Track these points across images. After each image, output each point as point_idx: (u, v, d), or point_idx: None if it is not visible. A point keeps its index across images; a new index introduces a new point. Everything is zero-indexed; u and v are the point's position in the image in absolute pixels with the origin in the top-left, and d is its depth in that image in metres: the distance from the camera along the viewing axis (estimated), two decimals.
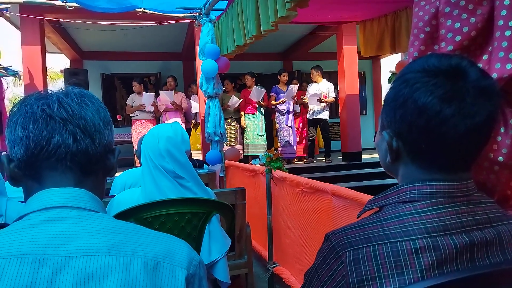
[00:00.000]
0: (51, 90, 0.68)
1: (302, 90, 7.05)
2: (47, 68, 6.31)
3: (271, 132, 7.67)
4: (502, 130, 0.86)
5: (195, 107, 6.42)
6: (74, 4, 4.37)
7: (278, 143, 6.73)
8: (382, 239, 0.64)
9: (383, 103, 0.74)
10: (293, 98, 6.46)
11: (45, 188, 0.64)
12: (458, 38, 0.86)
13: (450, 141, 0.64)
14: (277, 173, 2.79)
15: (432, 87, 0.64)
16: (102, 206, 0.67)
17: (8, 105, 8.18)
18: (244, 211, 2.47)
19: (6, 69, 7.56)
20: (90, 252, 0.58)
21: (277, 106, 6.60)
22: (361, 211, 0.77)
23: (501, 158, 0.85)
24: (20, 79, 8.63)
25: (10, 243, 0.57)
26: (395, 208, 0.69)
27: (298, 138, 6.87)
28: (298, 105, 6.78)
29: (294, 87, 6.45)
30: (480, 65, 0.87)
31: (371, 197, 1.73)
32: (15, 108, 0.66)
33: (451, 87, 0.63)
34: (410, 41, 0.99)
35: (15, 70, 8.16)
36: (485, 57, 0.87)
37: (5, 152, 0.68)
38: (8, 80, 7.40)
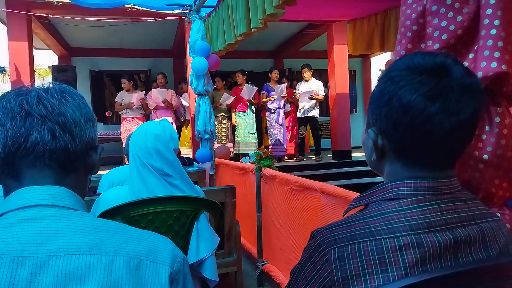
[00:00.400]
0: (31, 86, 0.66)
1: (292, 88, 7.06)
2: (35, 65, 6.22)
3: (261, 130, 7.67)
4: (487, 128, 0.86)
5: (186, 105, 6.39)
6: None
7: (269, 141, 6.74)
8: (366, 236, 0.65)
9: (369, 101, 0.74)
10: (283, 96, 6.46)
11: (24, 186, 0.62)
12: (444, 36, 0.87)
13: (435, 139, 0.65)
14: (267, 171, 2.79)
15: (416, 84, 0.64)
16: (83, 204, 0.66)
17: None
18: (233, 209, 2.46)
19: None
20: (70, 251, 0.56)
21: (267, 104, 6.60)
22: (347, 209, 0.78)
23: (485, 156, 0.86)
24: (4, 75, 8.51)
25: None
26: (380, 206, 0.69)
27: (289, 136, 6.88)
28: (288, 103, 6.79)
29: (283, 86, 6.45)
30: (466, 63, 0.88)
31: (359, 194, 1.75)
32: None
33: (436, 85, 0.63)
34: (398, 39, 0.99)
35: (2, 66, 8.04)
36: (471, 55, 0.88)
37: None
38: None
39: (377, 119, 0.70)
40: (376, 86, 0.72)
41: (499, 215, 0.79)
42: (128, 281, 0.57)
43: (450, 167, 0.70)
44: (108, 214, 1.39)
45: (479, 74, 0.81)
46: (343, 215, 0.76)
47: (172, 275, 0.62)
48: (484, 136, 0.86)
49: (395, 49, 1.01)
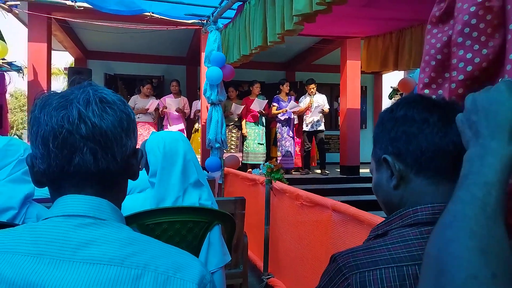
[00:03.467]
0: (71, 93, 0.64)
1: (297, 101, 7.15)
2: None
3: (269, 141, 7.70)
4: None
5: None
6: (84, 4, 4.40)
7: (278, 152, 6.75)
8: (388, 263, 0.66)
9: (373, 137, 0.80)
10: (298, 111, 6.57)
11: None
12: (469, 68, 0.89)
13: (443, 145, 0.69)
14: (277, 184, 2.80)
15: (414, 106, 0.73)
16: (122, 217, 0.68)
17: (9, 99, 8.18)
18: (242, 221, 2.48)
19: (10, 64, 7.59)
20: (104, 261, 0.58)
21: (278, 116, 6.64)
22: (366, 239, 0.79)
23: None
24: (23, 74, 8.65)
25: (33, 242, 0.58)
26: (401, 232, 0.70)
27: (297, 148, 6.92)
28: (296, 116, 6.85)
29: (298, 106, 6.56)
30: None
31: (371, 215, 1.74)
32: (35, 112, 0.64)
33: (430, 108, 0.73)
34: (421, 67, 1.01)
35: (19, 66, 8.18)
36: None
37: (29, 154, 0.66)
38: (11, 75, 7.42)
39: (388, 144, 0.75)
40: (376, 127, 0.80)
41: None
42: None
43: None
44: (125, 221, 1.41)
45: None
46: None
47: None
48: None
49: (418, 76, 1.03)
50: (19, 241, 0.59)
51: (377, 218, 1.55)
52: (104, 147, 0.63)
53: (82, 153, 0.61)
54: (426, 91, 0.98)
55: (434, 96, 0.96)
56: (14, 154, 1.45)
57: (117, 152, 0.64)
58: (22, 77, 9.07)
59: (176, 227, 1.51)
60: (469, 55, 0.89)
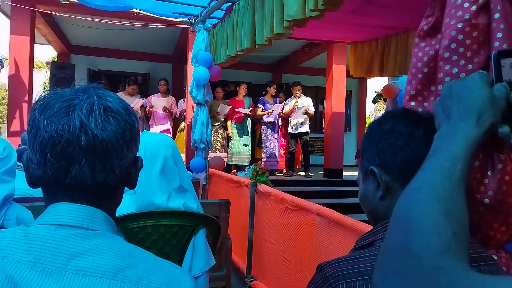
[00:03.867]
0: (75, 97, 0.61)
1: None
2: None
3: (254, 143, 7.71)
4: (489, 173, 0.90)
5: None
6: None
7: (263, 154, 6.77)
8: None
9: (361, 149, 0.82)
10: (284, 114, 6.63)
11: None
12: (425, 70, 0.92)
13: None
14: (262, 187, 2.80)
15: (400, 119, 0.76)
16: (114, 228, 0.66)
17: None
18: (227, 224, 2.47)
19: None
20: (96, 273, 0.57)
21: (264, 117, 6.66)
22: (352, 249, 0.80)
23: (486, 200, 0.89)
24: (2, 66, 8.42)
25: (26, 249, 0.57)
26: None
27: (282, 150, 6.95)
28: (280, 118, 6.90)
29: (281, 105, 6.61)
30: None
31: (355, 221, 1.76)
32: (36, 112, 0.61)
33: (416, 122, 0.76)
34: (408, 79, 1.03)
35: (1, 58, 7.96)
36: (432, 88, 0.92)
37: (26, 152, 0.63)
38: None
39: (375, 156, 0.77)
40: (364, 138, 0.82)
41: (496, 258, 0.82)
42: None
43: None
44: None
45: None
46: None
47: None
48: (486, 181, 0.90)
49: (405, 88, 1.05)
50: (12, 247, 0.58)
51: (360, 224, 1.57)
52: (103, 160, 0.61)
53: (80, 166, 0.59)
54: (412, 103, 1.01)
55: (420, 109, 0.99)
56: None
57: (116, 165, 0.63)
58: (1, 68, 8.83)
59: (160, 230, 1.50)
60: (455, 70, 0.91)
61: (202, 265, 1.54)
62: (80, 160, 0.59)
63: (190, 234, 1.55)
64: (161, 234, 1.50)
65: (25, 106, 5.55)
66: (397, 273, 0.43)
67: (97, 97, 0.62)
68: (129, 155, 0.65)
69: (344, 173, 7.17)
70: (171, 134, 6.52)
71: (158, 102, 6.17)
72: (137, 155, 0.70)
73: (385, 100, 6.12)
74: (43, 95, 0.63)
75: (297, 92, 6.73)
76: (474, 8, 0.88)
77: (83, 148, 0.59)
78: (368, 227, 1.54)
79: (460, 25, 0.89)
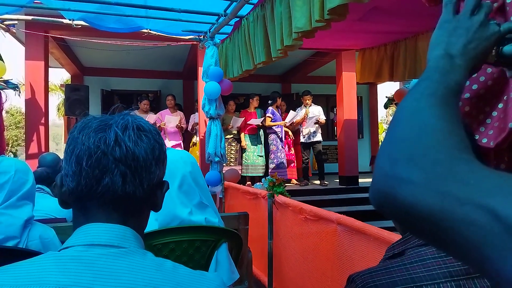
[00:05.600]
0: (111, 119, 0.67)
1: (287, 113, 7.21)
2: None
3: (268, 153, 7.72)
4: None
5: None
6: (81, 22, 4.43)
7: (272, 164, 6.77)
8: (408, 283, 0.67)
9: None
10: (294, 123, 6.66)
11: (90, 222, 0.65)
12: (475, 86, 0.91)
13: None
14: (280, 198, 2.80)
15: None
16: (143, 245, 0.68)
17: (4, 116, 8.17)
18: (246, 236, 2.47)
19: (6, 82, 7.60)
20: None
21: (274, 128, 6.68)
22: (382, 259, 0.79)
23: None
24: (20, 92, 8.66)
25: (61, 273, 0.58)
26: (418, 251, 0.71)
27: (292, 161, 6.96)
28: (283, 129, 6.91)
29: (296, 115, 6.64)
30: (495, 113, 0.92)
31: (377, 229, 1.74)
32: (75, 132, 0.66)
33: None
34: None
35: (15, 83, 8.20)
36: (500, 105, 0.91)
37: (60, 174, 0.68)
38: (7, 93, 7.43)
39: None
40: None
41: None
42: None
43: None
44: None
45: (510, 125, 0.84)
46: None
47: None
48: None
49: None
50: (44, 272, 0.59)
51: (383, 232, 1.56)
52: (133, 172, 0.64)
53: (112, 175, 0.63)
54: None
55: None
56: (3, 176, 1.39)
57: (145, 178, 0.66)
58: (19, 95, 9.07)
59: (183, 246, 1.51)
60: (474, 74, 0.91)
61: (226, 279, 1.55)
62: (113, 169, 0.63)
63: (212, 248, 1.56)
64: (184, 249, 1.51)
65: (42, 129, 5.68)
66: (411, 159, 0.42)
67: (131, 118, 0.68)
68: (156, 171, 0.68)
69: (359, 180, 7.11)
70: (182, 148, 6.58)
71: (171, 119, 6.26)
72: (164, 179, 0.73)
73: (397, 104, 6.09)
74: (82, 119, 0.69)
75: (307, 101, 6.74)
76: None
77: (117, 159, 0.63)
78: (392, 235, 1.52)
79: None
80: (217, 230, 1.56)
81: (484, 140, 0.88)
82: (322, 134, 6.97)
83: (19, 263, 0.62)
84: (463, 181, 0.37)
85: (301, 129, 6.79)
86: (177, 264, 0.67)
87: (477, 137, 0.87)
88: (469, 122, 0.88)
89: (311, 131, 6.64)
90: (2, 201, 1.37)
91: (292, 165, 7.05)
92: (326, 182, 6.85)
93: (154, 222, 1.53)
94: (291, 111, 6.74)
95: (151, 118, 6.30)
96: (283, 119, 6.77)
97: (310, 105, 6.76)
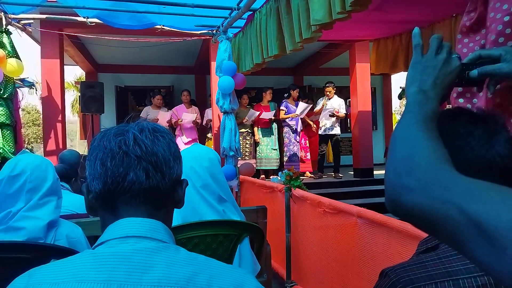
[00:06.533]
0: (127, 125, 0.72)
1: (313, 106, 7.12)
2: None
3: (281, 146, 7.71)
4: None
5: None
6: (96, 20, 4.47)
7: (285, 157, 6.76)
8: (444, 277, 0.66)
9: None
10: (307, 116, 6.60)
11: (120, 219, 0.67)
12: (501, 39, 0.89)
13: (489, 157, 0.69)
14: (297, 191, 2.80)
15: (457, 119, 0.76)
16: (173, 239, 0.70)
17: (21, 114, 8.34)
18: (265, 230, 2.48)
19: (22, 80, 7.74)
20: (170, 283, 0.60)
21: (287, 120, 6.65)
22: (415, 254, 0.79)
23: None
24: (36, 90, 8.81)
25: (97, 269, 0.60)
26: None
27: (302, 153, 6.91)
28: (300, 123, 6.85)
29: (308, 106, 6.55)
30: None
31: (400, 221, 1.72)
32: (95, 142, 0.71)
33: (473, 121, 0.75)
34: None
35: (31, 82, 8.33)
36: None
37: (85, 183, 0.72)
38: (23, 91, 7.56)
39: None
40: None
41: None
42: None
43: None
44: None
45: None
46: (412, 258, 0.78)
47: None
48: None
49: None
50: (81, 269, 0.61)
51: (407, 225, 1.55)
52: (155, 167, 0.68)
53: (135, 171, 0.67)
54: (461, 100, 0.99)
55: (469, 105, 0.97)
56: (19, 179, 1.38)
57: (166, 173, 0.70)
58: (36, 93, 9.22)
59: (207, 240, 1.53)
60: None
61: (249, 271, 1.56)
62: (136, 166, 0.67)
63: (235, 242, 1.57)
64: (208, 244, 1.53)
65: (59, 126, 5.77)
66: (409, 172, 0.54)
67: (146, 123, 0.74)
68: (175, 167, 0.72)
69: (374, 172, 7.05)
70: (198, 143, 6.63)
71: (187, 116, 6.28)
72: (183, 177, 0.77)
73: None
74: (100, 132, 0.74)
75: (328, 93, 6.64)
76: None
77: (138, 156, 0.67)
78: (415, 228, 1.51)
79: (507, 18, 0.88)
80: (240, 225, 1.58)
81: None
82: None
83: (57, 261, 0.64)
84: (444, 186, 0.49)
85: (320, 121, 6.75)
86: (209, 258, 0.69)
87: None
88: (501, 112, 0.87)
89: (327, 126, 6.58)
90: (25, 203, 1.36)
91: (306, 157, 7.01)
92: (340, 175, 6.82)
93: (176, 217, 1.55)
94: (300, 102, 6.68)
95: (166, 114, 6.33)
96: (309, 115, 6.70)
97: (332, 97, 6.65)
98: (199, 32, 4.92)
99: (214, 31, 4.78)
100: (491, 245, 0.41)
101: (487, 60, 0.79)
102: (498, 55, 0.78)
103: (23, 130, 6.91)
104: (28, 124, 25.21)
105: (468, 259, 0.45)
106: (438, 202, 0.48)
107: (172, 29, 4.71)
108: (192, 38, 5.28)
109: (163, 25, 4.57)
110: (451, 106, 0.94)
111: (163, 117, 6.27)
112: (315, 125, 6.89)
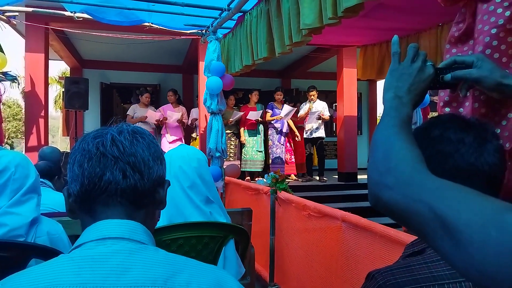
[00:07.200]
0: (107, 128, 0.72)
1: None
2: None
3: (267, 148, 7.72)
4: None
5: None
6: (83, 15, 4.40)
7: (270, 160, 6.77)
8: (430, 281, 0.68)
9: None
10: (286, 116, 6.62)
11: (98, 221, 0.67)
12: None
13: (478, 165, 0.71)
14: (282, 194, 2.81)
15: (449, 125, 0.78)
16: (153, 240, 0.70)
17: (2, 108, 8.12)
18: (249, 232, 2.48)
19: (5, 74, 7.54)
20: (147, 283, 0.59)
21: (272, 123, 6.68)
22: (401, 257, 0.80)
23: None
24: (18, 83, 8.59)
25: (74, 272, 0.59)
26: None
27: (287, 156, 6.92)
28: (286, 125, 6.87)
29: (293, 109, 6.58)
30: (511, 115, 0.93)
31: (383, 226, 1.75)
32: (76, 146, 0.71)
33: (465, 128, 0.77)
34: None
35: (14, 75, 8.13)
36: None
37: (66, 186, 0.71)
38: (5, 85, 7.36)
39: None
40: None
41: None
42: None
43: None
44: None
45: None
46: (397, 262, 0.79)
47: None
48: None
49: (438, 94, 1.06)
50: (58, 273, 0.60)
51: (390, 230, 1.57)
52: (133, 167, 0.68)
53: (112, 171, 0.67)
54: (447, 109, 1.01)
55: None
56: (4, 175, 1.35)
57: (145, 172, 0.69)
58: (18, 87, 8.99)
59: (192, 242, 1.52)
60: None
61: (234, 274, 1.56)
62: (113, 166, 0.67)
63: (220, 244, 1.56)
64: (193, 245, 1.52)
65: (41, 121, 5.65)
66: (388, 171, 0.60)
67: (126, 125, 0.73)
68: (155, 167, 0.72)
69: (358, 176, 7.13)
70: (183, 143, 6.57)
71: (173, 115, 6.24)
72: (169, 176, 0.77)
73: None
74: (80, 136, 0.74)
75: (312, 97, 6.74)
76: (508, 13, 0.88)
77: (115, 157, 0.67)
78: (399, 233, 1.53)
79: (494, 30, 0.90)
80: (226, 227, 1.57)
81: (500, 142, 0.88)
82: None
83: (34, 267, 0.63)
84: (417, 185, 0.54)
85: (304, 125, 6.80)
86: (189, 258, 0.68)
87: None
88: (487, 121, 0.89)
89: (313, 127, 6.66)
90: (8, 200, 1.34)
91: (291, 160, 7.03)
92: (325, 178, 6.88)
93: (162, 217, 1.54)
94: (285, 105, 6.71)
95: (154, 115, 6.27)
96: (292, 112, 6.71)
97: (315, 101, 6.76)
98: (188, 31, 4.89)
99: (204, 31, 4.75)
100: (452, 239, 0.45)
101: (461, 66, 0.84)
102: (471, 61, 0.83)
103: (3, 125, 6.73)
104: (9, 119, 24.59)
105: (436, 252, 0.50)
106: (411, 200, 0.53)
107: (161, 27, 4.67)
108: (181, 37, 5.25)
109: (152, 23, 4.53)
110: (437, 114, 0.96)
111: (152, 115, 6.21)
112: (298, 134, 6.88)
